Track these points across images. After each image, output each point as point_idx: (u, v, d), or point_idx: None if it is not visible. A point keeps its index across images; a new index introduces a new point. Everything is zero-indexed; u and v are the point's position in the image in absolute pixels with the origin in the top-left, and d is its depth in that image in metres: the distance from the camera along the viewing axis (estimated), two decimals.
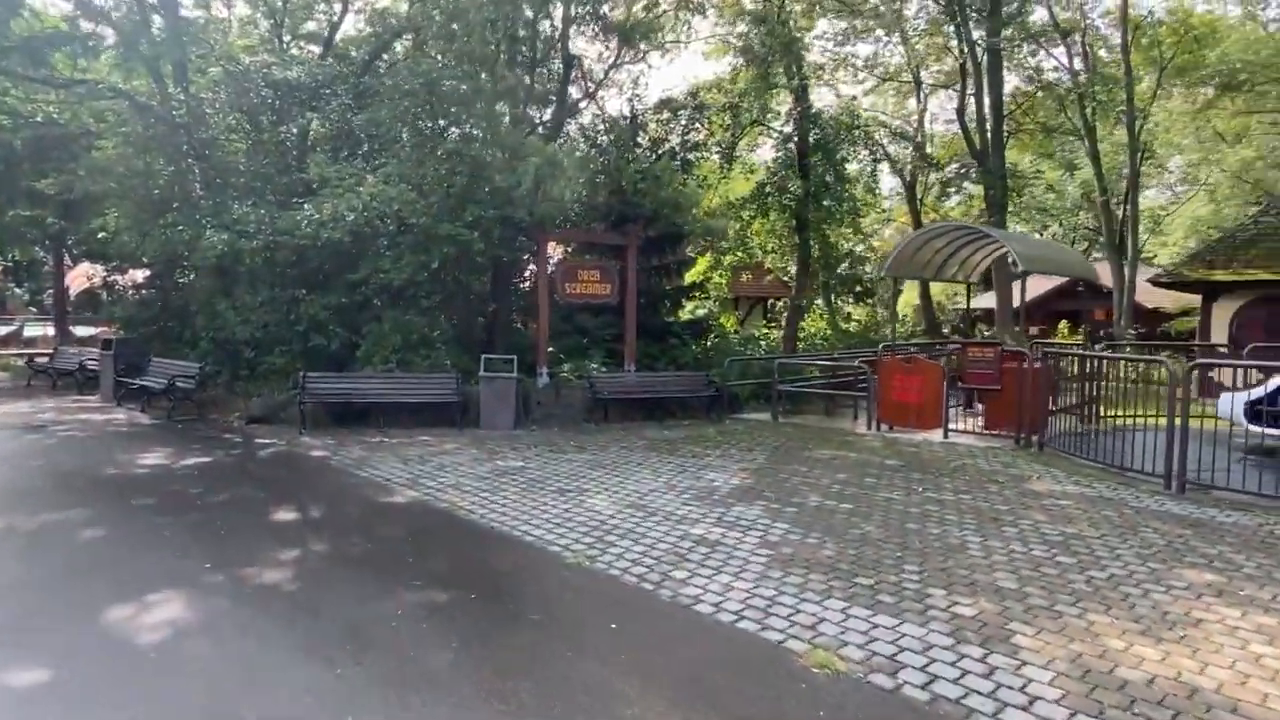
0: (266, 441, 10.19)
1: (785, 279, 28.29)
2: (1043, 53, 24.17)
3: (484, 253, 12.34)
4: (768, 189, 16.42)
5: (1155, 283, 18.20)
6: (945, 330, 30.02)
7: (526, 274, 17.06)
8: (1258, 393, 9.46)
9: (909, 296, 37.09)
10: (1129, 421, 10.61)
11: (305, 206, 12.15)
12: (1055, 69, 24.23)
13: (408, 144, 12.37)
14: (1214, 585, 5.07)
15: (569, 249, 15.36)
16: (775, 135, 17.96)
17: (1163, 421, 9.98)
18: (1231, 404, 9.57)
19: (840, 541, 5.96)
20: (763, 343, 18.03)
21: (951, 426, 10.89)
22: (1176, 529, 6.37)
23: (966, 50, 19.29)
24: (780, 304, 29.69)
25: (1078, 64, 23.74)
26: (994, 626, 4.41)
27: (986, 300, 38.34)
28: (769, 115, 17.50)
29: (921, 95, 22.78)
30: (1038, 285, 45.08)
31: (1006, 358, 10.52)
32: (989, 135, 19.94)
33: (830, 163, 16.63)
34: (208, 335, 13.00)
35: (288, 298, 12.53)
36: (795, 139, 15.53)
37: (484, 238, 12.01)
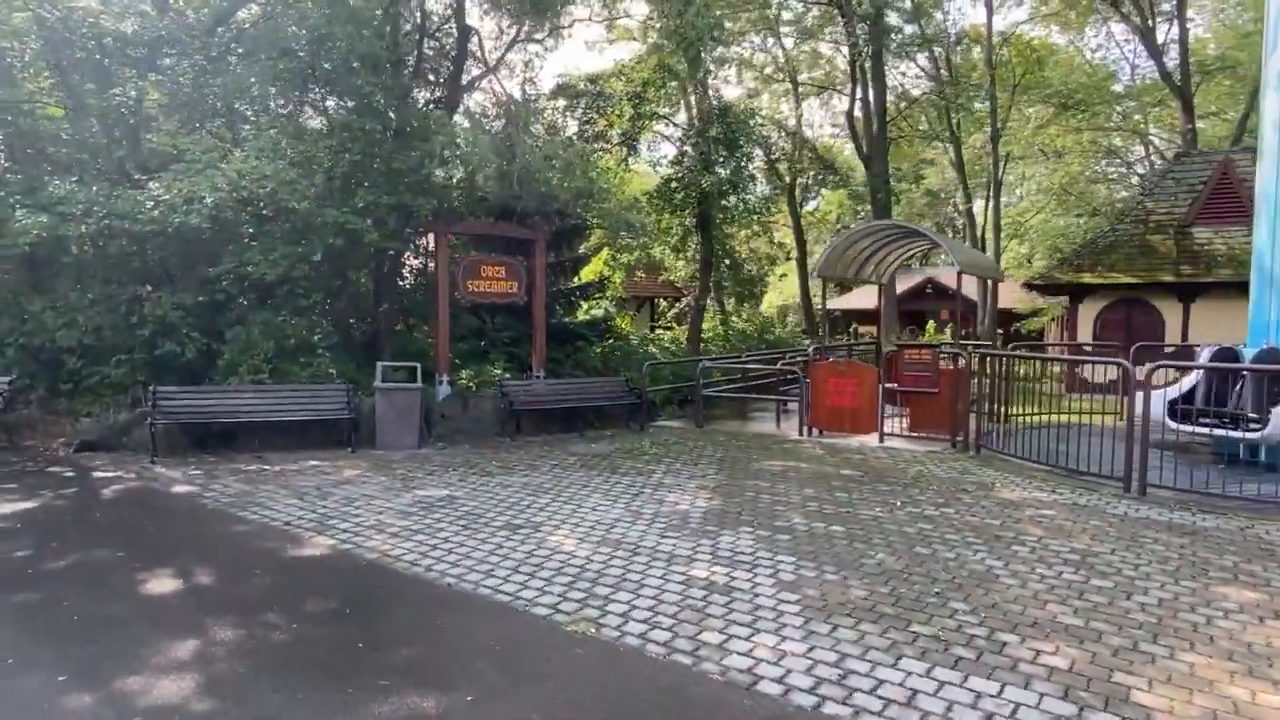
0: (109, 475, 8.14)
1: (673, 279, 27.91)
2: (914, 65, 25.30)
3: (377, 245, 10.71)
4: (674, 184, 15.71)
5: (1030, 285, 19.24)
6: (819, 331, 30.76)
7: (414, 270, 15.40)
8: (1174, 393, 9.82)
9: (772, 298, 37.97)
10: (1036, 420, 10.84)
11: (151, 185, 10.01)
12: (922, 78, 25.44)
13: (281, 115, 10.50)
14: (1263, 605, 4.78)
15: (465, 243, 13.86)
16: (678, 129, 17.32)
17: (1068, 419, 10.28)
18: (1151, 403, 9.88)
19: (862, 576, 5.22)
20: (666, 345, 17.31)
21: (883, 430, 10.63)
22: (1172, 538, 6.17)
23: (854, 55, 19.54)
24: (666, 304, 29.29)
25: (947, 76, 25.01)
26: (1099, 680, 3.79)
27: (844, 302, 40.10)
28: (671, 108, 16.83)
29: (797, 98, 23.03)
30: (900, 284, 47.87)
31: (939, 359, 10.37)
32: (873, 139, 20.41)
33: (733, 158, 16.16)
34: (15, 341, 10.46)
35: (127, 295, 10.27)
36: (697, 134, 14.91)
37: (378, 227, 10.40)
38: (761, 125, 16.51)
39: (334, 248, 10.42)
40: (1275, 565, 5.52)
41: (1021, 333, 28.84)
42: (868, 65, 20.22)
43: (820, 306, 12.46)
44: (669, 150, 18.25)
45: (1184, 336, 17.22)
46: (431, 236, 12.73)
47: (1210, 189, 17.57)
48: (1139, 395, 9.55)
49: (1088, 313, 18.33)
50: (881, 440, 10.57)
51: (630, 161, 15.35)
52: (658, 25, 14.67)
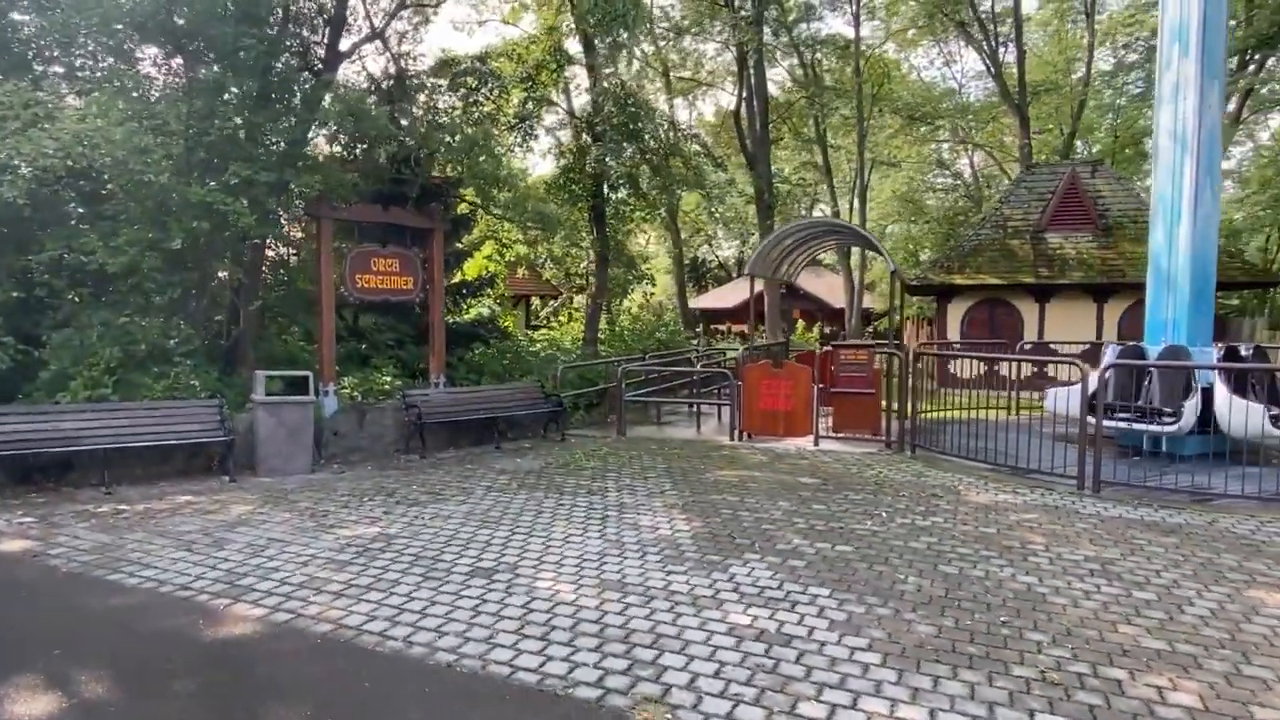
0: None
1: (548, 277, 26.80)
2: (785, 71, 25.85)
3: (252, 231, 8.97)
4: (572, 174, 14.73)
5: (909, 286, 20.05)
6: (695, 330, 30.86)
7: (278, 262, 13.41)
8: (1078, 390, 10.26)
9: (634, 297, 37.85)
10: (949, 416, 11.03)
11: None
12: (794, 87, 26.09)
13: (124, 70, 8.48)
14: None
15: (349, 232, 12.15)
16: (572, 117, 16.34)
17: (976, 415, 10.56)
18: (1066, 399, 10.27)
19: (912, 608, 4.67)
20: (564, 346, 16.29)
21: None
22: (1160, 538, 6.17)
23: (741, 53, 19.47)
24: (539, 302, 28.12)
25: (813, 80, 25.77)
26: (1234, 717, 3.43)
27: (700, 302, 40.67)
28: (563, 93, 15.81)
29: (668, 96, 22.77)
30: (746, 287, 49.33)
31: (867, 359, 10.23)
32: (757, 140, 20.48)
33: (632, 147, 15.41)
34: None
35: None
36: (603, 121, 14.06)
37: (253, 209, 8.68)
38: (659, 118, 15.86)
39: (197, 233, 8.58)
40: (1275, 563, 5.59)
41: (880, 331, 30.52)
42: (751, 66, 20.25)
43: (750, 303, 11.95)
44: (550, 141, 17.21)
45: (1040, 334, 18.62)
46: (307, 224, 11.05)
47: (1059, 198, 19.11)
48: (1080, 392, 9.90)
49: (955, 312, 19.39)
50: (817, 443, 10.27)
51: (525, 148, 14.16)
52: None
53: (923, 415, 10.62)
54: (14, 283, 8.51)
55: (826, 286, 49.28)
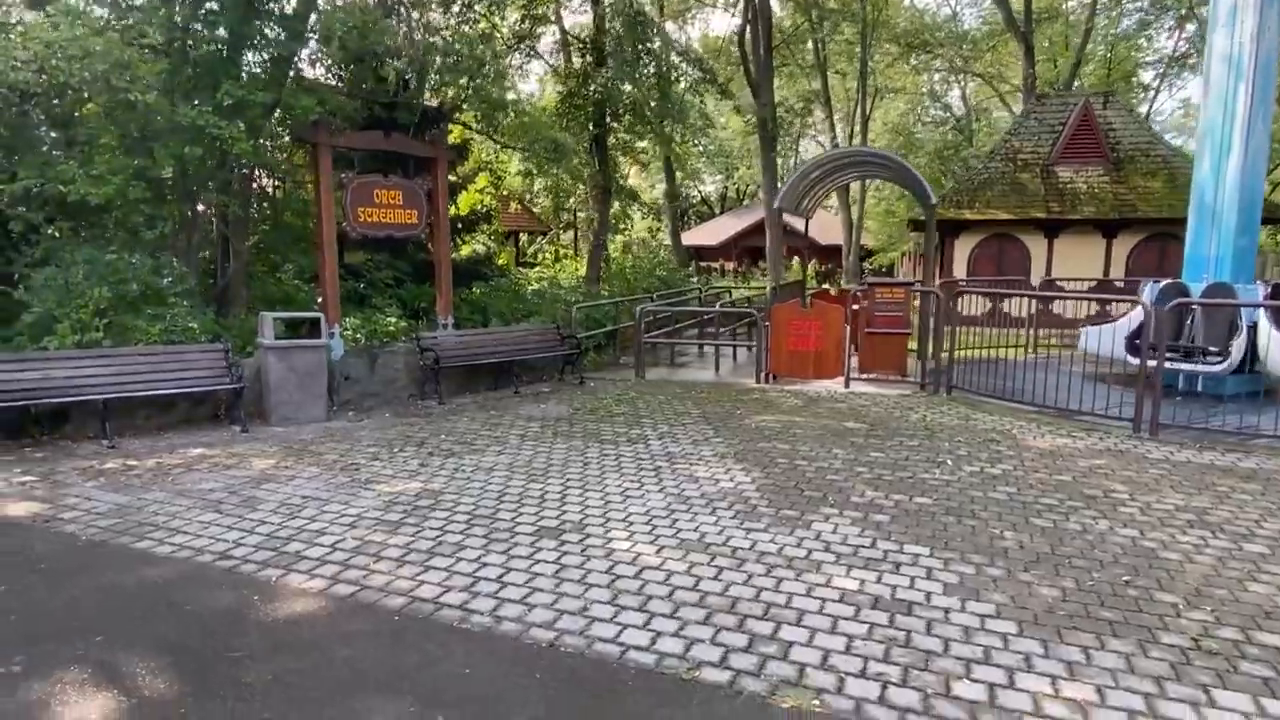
0: None
1: (538, 211, 25.85)
2: None
3: (248, 159, 8.17)
4: (576, 100, 13.81)
5: (915, 222, 19.55)
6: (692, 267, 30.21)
7: (266, 194, 12.51)
8: (1124, 327, 9.99)
9: (619, 236, 36.94)
10: (974, 356, 10.73)
11: None
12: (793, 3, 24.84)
13: None
14: None
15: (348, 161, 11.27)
16: (570, 38, 15.30)
17: (995, 354, 10.27)
18: (1100, 338, 10.00)
19: (1022, 567, 4.35)
20: (561, 285, 15.63)
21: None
22: (1240, 484, 5.93)
23: None
24: (527, 239, 27.19)
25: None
26: None
27: (687, 238, 39.83)
28: (560, 10, 14.71)
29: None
30: (737, 222, 48.61)
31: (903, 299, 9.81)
32: (760, 66, 19.50)
33: (636, 71, 14.48)
34: None
35: None
36: (613, 42, 13.11)
37: (251, 134, 7.87)
38: (664, 42, 14.86)
39: (187, 161, 7.77)
40: None
41: (878, 269, 30.14)
42: None
43: (769, 241, 11.32)
44: (544, 66, 16.11)
45: (1048, 270, 18.34)
46: (297, 153, 10.19)
47: (1071, 130, 18.58)
48: (1121, 331, 9.61)
49: (962, 248, 19.00)
50: (847, 385, 9.92)
51: (522, 71, 13.21)
52: None
53: (948, 356, 10.32)
54: None
55: (815, 224, 48.73)
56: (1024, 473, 6.21)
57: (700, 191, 53.67)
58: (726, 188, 53.57)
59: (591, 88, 13.21)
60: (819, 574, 4.23)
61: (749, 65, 19.32)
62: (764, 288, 18.82)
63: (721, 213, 51.69)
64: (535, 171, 13.72)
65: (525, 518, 5.09)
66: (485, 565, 4.29)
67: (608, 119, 14.46)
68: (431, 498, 5.49)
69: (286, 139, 10.39)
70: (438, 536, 4.73)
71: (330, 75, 11.71)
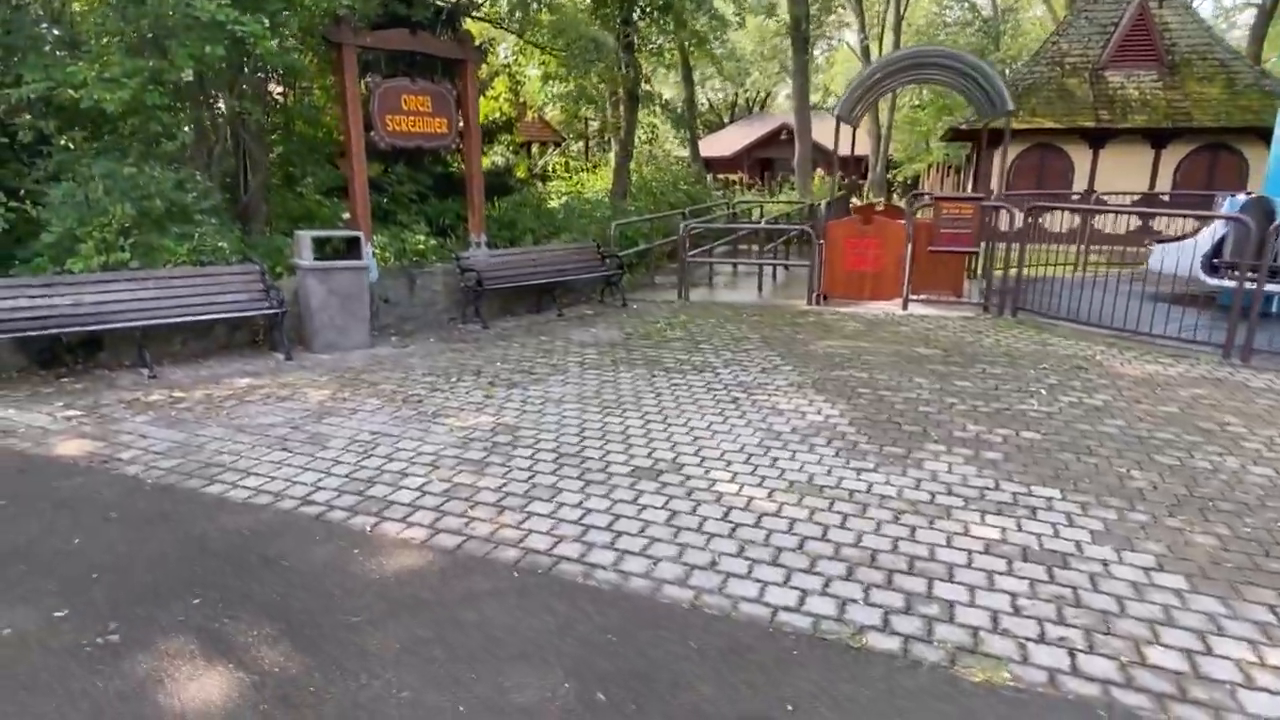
0: None
1: (554, 120, 24.68)
2: None
3: (273, 60, 7.44)
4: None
5: (956, 131, 18.61)
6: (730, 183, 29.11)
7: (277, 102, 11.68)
8: (1201, 244, 9.46)
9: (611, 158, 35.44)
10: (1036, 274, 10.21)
11: None
12: None
13: None
14: None
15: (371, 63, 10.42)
16: None
17: (1058, 272, 9.76)
18: (1177, 257, 9.48)
19: (1170, 512, 4.03)
20: (586, 199, 14.92)
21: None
22: None
23: None
24: (539, 150, 26.07)
25: None
26: None
27: (703, 150, 38.35)
28: None
29: None
30: (748, 132, 46.87)
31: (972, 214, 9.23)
32: None
33: None
34: None
35: None
36: None
37: (275, 32, 7.13)
38: None
39: (208, 62, 7.06)
40: None
41: (905, 182, 29.07)
42: None
43: (834, 152, 10.57)
44: None
45: (1091, 183, 17.58)
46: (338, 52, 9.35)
47: (1124, 31, 17.41)
48: (1196, 250, 9.08)
49: (1002, 158, 18.13)
50: (905, 308, 9.48)
51: None
52: None
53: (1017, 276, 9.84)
54: None
55: (829, 132, 47.05)
56: (1126, 404, 5.86)
57: (709, 100, 51.54)
58: (736, 95, 51.47)
59: None
60: (952, 520, 3.92)
61: None
62: (793, 202, 18.09)
63: (730, 122, 49.80)
64: (565, 76, 12.81)
65: (615, 456, 4.76)
66: (590, 511, 3.97)
67: (636, 17, 13.40)
68: (508, 433, 5.14)
69: (301, 38, 9.56)
70: (529, 478, 4.40)
71: None
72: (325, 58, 9.80)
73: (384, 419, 5.39)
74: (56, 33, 7.41)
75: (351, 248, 7.56)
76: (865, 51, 26.46)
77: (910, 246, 9.29)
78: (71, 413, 5.43)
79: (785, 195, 20.45)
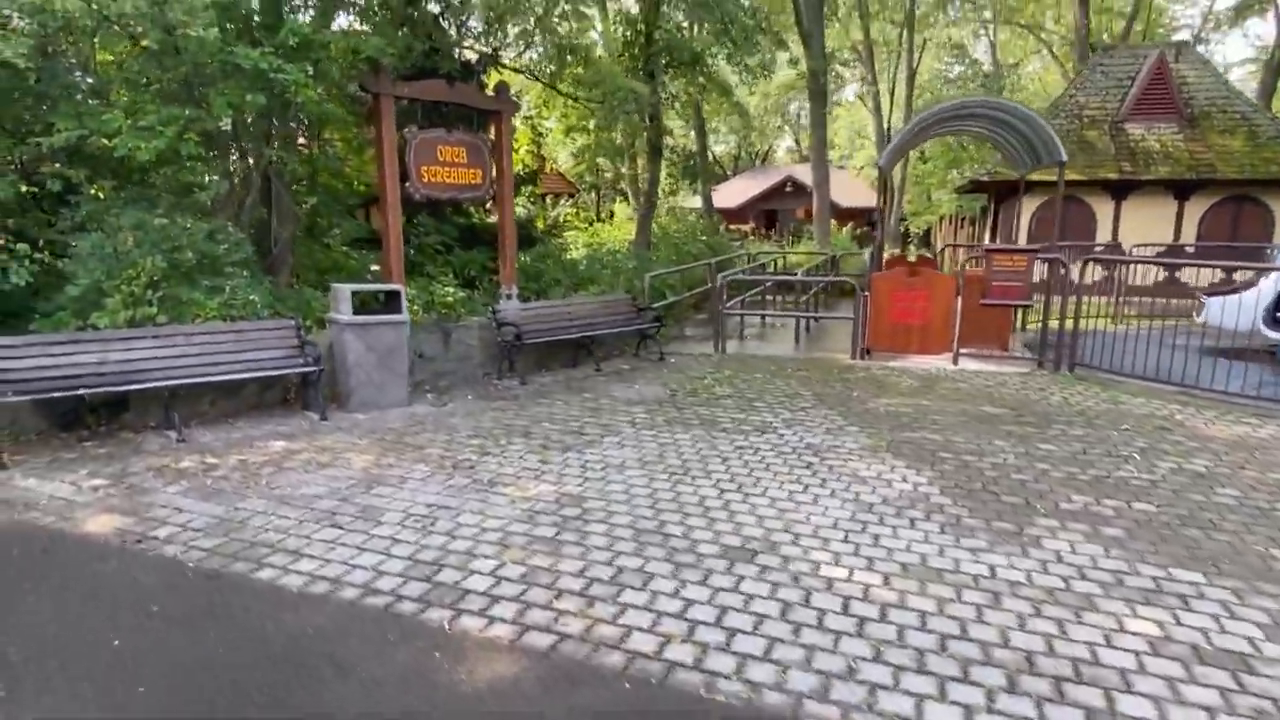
0: None
1: (561, 170, 24.74)
2: None
3: (313, 109, 7.23)
4: (634, 49, 12.71)
5: (975, 182, 18.58)
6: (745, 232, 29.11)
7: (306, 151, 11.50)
8: (1263, 297, 9.16)
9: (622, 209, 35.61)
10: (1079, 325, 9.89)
11: None
12: None
13: None
14: None
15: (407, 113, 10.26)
16: None
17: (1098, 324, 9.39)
18: (1229, 309, 9.17)
19: None
20: (613, 250, 14.70)
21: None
22: None
23: None
24: (550, 201, 26.07)
25: None
26: None
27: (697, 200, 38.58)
28: None
29: None
30: (754, 185, 47.39)
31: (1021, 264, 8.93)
32: (812, 9, 18.30)
33: (684, 8, 13.32)
34: None
35: None
36: None
37: (320, 79, 6.92)
38: None
39: (248, 111, 6.82)
40: None
41: (916, 233, 29.13)
42: None
43: (880, 204, 10.33)
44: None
45: (1114, 234, 17.45)
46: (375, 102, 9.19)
47: (1143, 84, 17.50)
48: (1255, 303, 8.79)
49: (1024, 210, 18.04)
50: (956, 362, 9.13)
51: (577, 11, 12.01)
52: None
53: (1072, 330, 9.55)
54: (18, 173, 6.75)
55: (834, 184, 47.51)
56: (1229, 470, 5.45)
57: (713, 152, 52.29)
58: (740, 149, 52.18)
59: (657, 34, 12.12)
60: (1100, 613, 3.48)
61: (800, 13, 18.12)
62: (813, 252, 17.91)
63: (734, 174, 50.38)
64: (588, 128, 12.71)
65: (699, 533, 4.32)
66: (692, 603, 3.52)
67: (667, 69, 13.37)
68: (575, 504, 4.71)
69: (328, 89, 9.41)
70: (611, 559, 3.95)
71: (361, 19, 10.57)
72: (350, 108, 9.64)
73: (437, 488, 4.96)
74: (90, 81, 7.19)
75: (390, 301, 7.21)
76: (877, 105, 26.68)
77: (959, 299, 8.97)
78: (97, 481, 4.99)
79: (805, 245, 20.28)
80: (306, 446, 5.84)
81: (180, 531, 4.22)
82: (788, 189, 45.20)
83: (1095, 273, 11.70)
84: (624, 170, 22.24)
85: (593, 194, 28.73)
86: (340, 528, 4.31)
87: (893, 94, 26.40)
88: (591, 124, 13.69)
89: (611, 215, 29.05)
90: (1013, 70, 39.76)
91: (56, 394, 5.47)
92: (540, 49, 9.82)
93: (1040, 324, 9.67)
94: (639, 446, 5.95)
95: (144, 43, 6.33)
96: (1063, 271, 8.62)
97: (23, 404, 5.59)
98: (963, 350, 9.16)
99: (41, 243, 7.24)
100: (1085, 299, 8.76)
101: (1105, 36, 26.94)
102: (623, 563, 3.92)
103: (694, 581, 3.73)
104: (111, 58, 7.20)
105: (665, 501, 4.79)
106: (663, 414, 6.97)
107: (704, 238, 18.09)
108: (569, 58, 9.66)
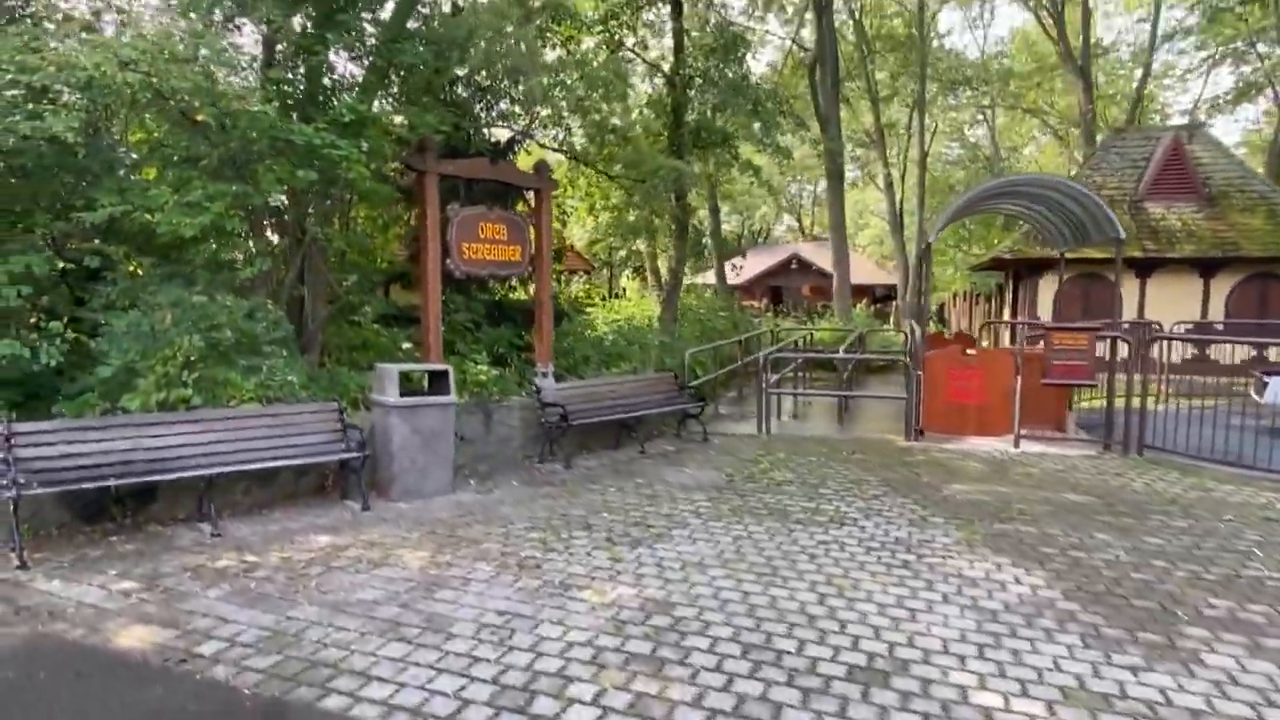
0: None
1: (577, 246, 24.77)
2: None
3: (362, 187, 7.03)
4: (663, 131, 12.79)
5: (1000, 260, 18.57)
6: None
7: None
8: None
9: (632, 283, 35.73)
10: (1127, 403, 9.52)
11: None
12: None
13: None
14: None
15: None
16: (645, 63, 14.37)
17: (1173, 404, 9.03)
18: None
19: None
20: (638, 327, 14.45)
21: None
22: None
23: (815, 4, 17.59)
24: (568, 277, 26.06)
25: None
26: None
27: (710, 277, 38.85)
28: (640, 33, 13.78)
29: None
30: (759, 261, 47.93)
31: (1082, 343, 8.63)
32: (829, 97, 18.68)
33: (714, 93, 13.47)
34: None
35: None
36: (704, 54, 12.15)
37: (372, 156, 6.74)
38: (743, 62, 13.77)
39: (298, 187, 6.62)
40: None
41: (934, 311, 29.16)
42: (823, 18, 18.39)
43: (922, 284, 10.14)
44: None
45: (1140, 312, 17.31)
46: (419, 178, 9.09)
47: (1159, 165, 17.70)
48: None
49: (1047, 288, 17.95)
50: (1017, 444, 8.70)
51: (616, 96, 12.13)
52: None
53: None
54: (55, 249, 6.48)
55: (835, 263, 48.00)
56: None
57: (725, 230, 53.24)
58: (743, 227, 53.05)
59: (689, 115, 12.20)
60: None
61: (818, 98, 18.47)
62: (837, 329, 17.71)
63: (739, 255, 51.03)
64: (614, 206, 12.68)
65: (813, 648, 3.82)
66: None
67: (694, 149, 13.42)
68: (663, 612, 4.21)
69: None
70: (726, 684, 3.45)
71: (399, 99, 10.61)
72: (390, 186, 9.55)
73: (506, 592, 4.47)
74: (134, 156, 7.02)
75: (436, 382, 6.83)
76: (889, 184, 27.08)
77: (1019, 379, 8.62)
78: (128, 584, 4.49)
79: (826, 322, 20.10)
80: (353, 541, 5.36)
81: (228, 647, 3.72)
82: (793, 266, 45.72)
83: (1167, 350, 11.48)
84: (642, 247, 22.26)
85: (604, 271, 28.74)
86: (408, 641, 3.81)
87: (903, 176, 26.90)
88: (613, 200, 13.70)
89: (623, 292, 29.08)
90: (1011, 153, 40.80)
91: (87, 484, 5.02)
92: (576, 128, 9.77)
93: (1103, 403, 9.34)
94: (712, 540, 5.47)
95: (199, 117, 6.15)
96: (1128, 350, 8.31)
97: (45, 495, 5.13)
98: (1023, 432, 8.75)
99: (66, 319, 6.94)
100: (1151, 377, 8.44)
101: (1100, 122, 27.69)
102: (741, 688, 3.41)
103: (831, 714, 3.22)
104: (145, 134, 7.03)
105: (762, 608, 4.29)
106: (726, 502, 6.51)
107: (723, 313, 17.93)
108: (610, 137, 9.61)
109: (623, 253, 26.11)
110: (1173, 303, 16.86)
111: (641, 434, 9.11)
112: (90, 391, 6.38)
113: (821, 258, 48.02)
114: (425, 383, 7.18)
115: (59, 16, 6.31)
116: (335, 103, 7.30)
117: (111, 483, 5.14)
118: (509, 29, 7.37)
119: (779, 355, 10.62)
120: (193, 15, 5.89)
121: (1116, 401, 8.62)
